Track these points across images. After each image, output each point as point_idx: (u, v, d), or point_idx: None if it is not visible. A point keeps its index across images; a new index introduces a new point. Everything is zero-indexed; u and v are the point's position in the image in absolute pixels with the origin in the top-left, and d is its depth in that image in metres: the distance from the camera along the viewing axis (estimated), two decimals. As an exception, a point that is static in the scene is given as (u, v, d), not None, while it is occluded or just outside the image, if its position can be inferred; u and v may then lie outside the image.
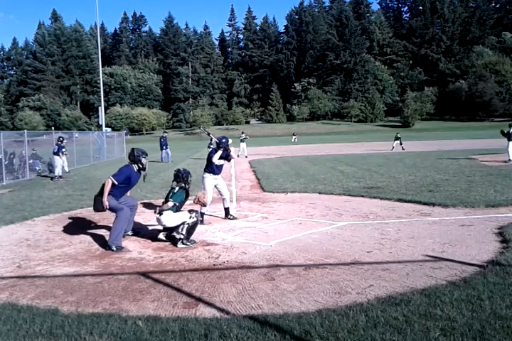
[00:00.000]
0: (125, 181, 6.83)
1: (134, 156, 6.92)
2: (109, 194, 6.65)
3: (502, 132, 19.01)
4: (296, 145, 44.23)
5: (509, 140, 18.53)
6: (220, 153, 8.42)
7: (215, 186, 8.65)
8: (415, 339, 3.40)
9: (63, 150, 17.86)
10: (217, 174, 8.60)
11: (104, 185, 6.70)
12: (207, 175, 8.59)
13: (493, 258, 5.40)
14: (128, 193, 7.36)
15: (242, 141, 28.92)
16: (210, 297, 4.53)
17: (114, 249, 6.48)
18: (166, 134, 27.77)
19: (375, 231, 7.18)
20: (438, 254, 5.75)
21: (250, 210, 9.64)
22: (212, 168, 8.52)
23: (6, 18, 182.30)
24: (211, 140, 8.81)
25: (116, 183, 6.66)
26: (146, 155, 7.07)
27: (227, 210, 8.78)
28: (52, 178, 17.42)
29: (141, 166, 6.97)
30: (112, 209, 6.81)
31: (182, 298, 4.55)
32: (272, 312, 4.06)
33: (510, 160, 18.20)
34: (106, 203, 6.59)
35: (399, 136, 32.44)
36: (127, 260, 6.02)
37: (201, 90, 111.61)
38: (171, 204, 6.74)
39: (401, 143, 31.34)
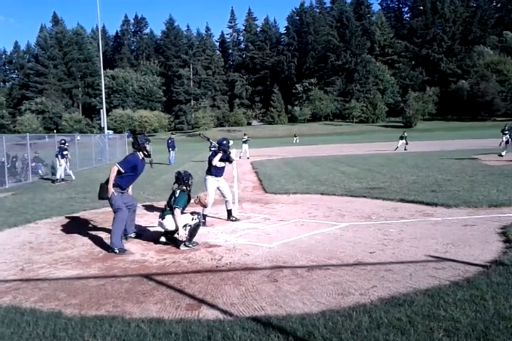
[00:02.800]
0: (131, 169, 6.85)
1: (139, 144, 6.95)
2: (116, 185, 6.69)
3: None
4: (298, 147, 44.22)
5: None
6: (220, 155, 8.46)
7: (218, 188, 8.67)
8: (419, 339, 3.40)
9: (65, 152, 17.79)
10: (219, 176, 8.64)
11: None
12: (209, 177, 8.61)
13: (497, 258, 5.39)
14: (130, 191, 7.35)
15: (244, 142, 28.90)
16: (213, 299, 4.53)
17: (117, 251, 6.48)
18: (173, 136, 27.84)
19: (377, 232, 7.17)
20: (441, 255, 5.74)
21: (252, 211, 9.64)
22: (213, 170, 8.57)
23: (6, 22, 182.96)
24: (211, 144, 8.82)
25: (122, 171, 6.68)
26: (150, 141, 7.14)
27: (229, 212, 8.78)
28: (53, 181, 17.45)
29: (145, 153, 7.02)
30: (112, 205, 6.78)
31: (185, 299, 4.55)
32: (275, 313, 4.06)
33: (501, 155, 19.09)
34: (111, 190, 6.59)
35: (405, 134, 32.24)
36: (130, 262, 6.03)
37: (203, 92, 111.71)
38: (178, 211, 6.68)
39: (407, 143, 31.00)
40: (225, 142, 8.61)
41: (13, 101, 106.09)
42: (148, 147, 7.02)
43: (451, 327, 3.56)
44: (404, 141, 31.26)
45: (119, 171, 6.66)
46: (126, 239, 6.98)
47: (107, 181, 6.75)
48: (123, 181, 6.81)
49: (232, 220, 8.64)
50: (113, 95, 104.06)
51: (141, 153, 6.97)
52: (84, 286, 5.08)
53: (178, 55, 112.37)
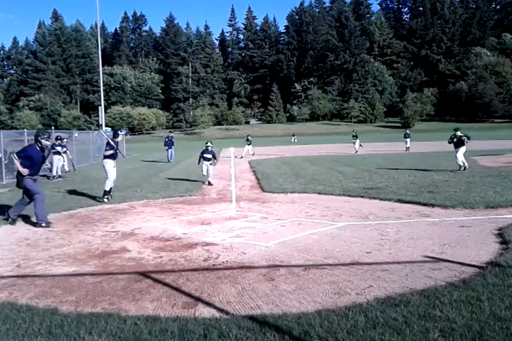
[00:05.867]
0: (27, 158, 7.75)
1: (35, 136, 7.91)
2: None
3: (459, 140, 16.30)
4: (296, 146, 44.23)
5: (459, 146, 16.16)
6: (110, 151, 11.03)
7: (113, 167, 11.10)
8: (414, 340, 3.40)
9: (58, 148, 17.70)
10: (116, 159, 11.31)
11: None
12: (108, 160, 11.09)
13: (493, 259, 5.40)
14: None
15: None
16: (209, 297, 4.53)
17: (44, 225, 7.38)
18: (171, 134, 27.70)
19: (374, 232, 7.18)
20: (437, 255, 5.75)
21: (250, 210, 9.64)
22: (112, 156, 11.09)
23: (5, 18, 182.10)
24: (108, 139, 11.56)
25: (16, 158, 7.69)
26: (49, 137, 8.09)
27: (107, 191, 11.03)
28: (49, 177, 17.44)
29: (40, 145, 7.86)
30: (29, 190, 7.69)
31: (181, 298, 4.55)
32: (271, 312, 4.06)
33: (461, 167, 15.89)
34: (23, 170, 7.61)
35: (408, 131, 32.16)
36: (127, 260, 6.02)
37: (201, 90, 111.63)
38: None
39: (407, 143, 30.77)
40: (119, 132, 11.89)
41: (11, 97, 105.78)
42: (44, 141, 7.89)
43: (446, 327, 3.57)
44: (409, 139, 30.93)
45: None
46: (7, 219, 7.98)
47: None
48: (27, 168, 7.69)
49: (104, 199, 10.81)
50: (111, 92, 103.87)
51: (37, 144, 7.86)
52: (81, 283, 5.07)
53: (177, 53, 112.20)
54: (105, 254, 6.31)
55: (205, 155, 14.49)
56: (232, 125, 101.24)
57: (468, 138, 16.45)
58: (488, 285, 4.44)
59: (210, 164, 14.37)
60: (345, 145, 41.15)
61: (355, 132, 33.01)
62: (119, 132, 11.91)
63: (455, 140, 16.39)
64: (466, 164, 16.02)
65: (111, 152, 11.07)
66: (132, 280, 5.15)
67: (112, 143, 11.17)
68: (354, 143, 30.99)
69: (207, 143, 14.92)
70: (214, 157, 14.51)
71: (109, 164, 11.12)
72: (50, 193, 13.01)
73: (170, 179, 15.81)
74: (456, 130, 16.62)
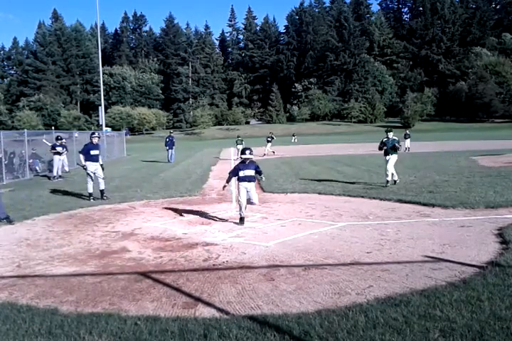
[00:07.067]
0: None
1: None
2: None
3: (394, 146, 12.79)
4: (296, 146, 44.21)
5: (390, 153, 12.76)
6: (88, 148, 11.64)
7: (94, 172, 11.53)
8: (415, 340, 3.41)
9: (59, 149, 17.72)
10: (96, 161, 11.65)
11: None
12: (88, 162, 11.50)
13: (493, 259, 5.41)
14: None
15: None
16: (209, 297, 4.53)
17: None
18: (172, 134, 27.65)
19: (374, 232, 7.18)
20: (437, 255, 5.75)
21: (250, 210, 9.63)
22: (90, 157, 11.55)
23: (5, 18, 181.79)
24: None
25: None
26: None
27: (102, 192, 11.56)
28: (50, 178, 17.46)
29: None
30: None
31: (181, 298, 4.55)
32: (271, 312, 4.06)
33: (395, 181, 12.72)
34: None
35: (408, 132, 32.02)
36: (127, 260, 6.02)
37: (201, 90, 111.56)
38: None
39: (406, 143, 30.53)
40: (92, 135, 12.06)
41: (11, 98, 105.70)
42: None
43: (447, 327, 3.57)
44: (409, 140, 30.62)
45: None
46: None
47: None
48: None
49: (104, 199, 11.31)
50: (111, 92, 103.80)
51: None
52: (81, 283, 5.08)
53: (177, 53, 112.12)
54: (105, 254, 6.31)
55: (243, 172, 8.13)
56: (232, 125, 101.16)
57: (399, 145, 13.20)
58: (489, 285, 4.44)
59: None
60: (345, 145, 41.14)
61: (271, 134, 32.04)
62: (93, 135, 12.22)
63: (389, 145, 12.77)
64: (397, 177, 12.76)
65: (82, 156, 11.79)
66: (132, 280, 5.15)
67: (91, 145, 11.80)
68: (267, 145, 30.07)
69: (244, 152, 8.33)
70: (258, 172, 8.36)
71: (89, 167, 11.54)
72: (50, 193, 13.03)
73: (170, 179, 15.82)
74: (388, 131, 13.23)
